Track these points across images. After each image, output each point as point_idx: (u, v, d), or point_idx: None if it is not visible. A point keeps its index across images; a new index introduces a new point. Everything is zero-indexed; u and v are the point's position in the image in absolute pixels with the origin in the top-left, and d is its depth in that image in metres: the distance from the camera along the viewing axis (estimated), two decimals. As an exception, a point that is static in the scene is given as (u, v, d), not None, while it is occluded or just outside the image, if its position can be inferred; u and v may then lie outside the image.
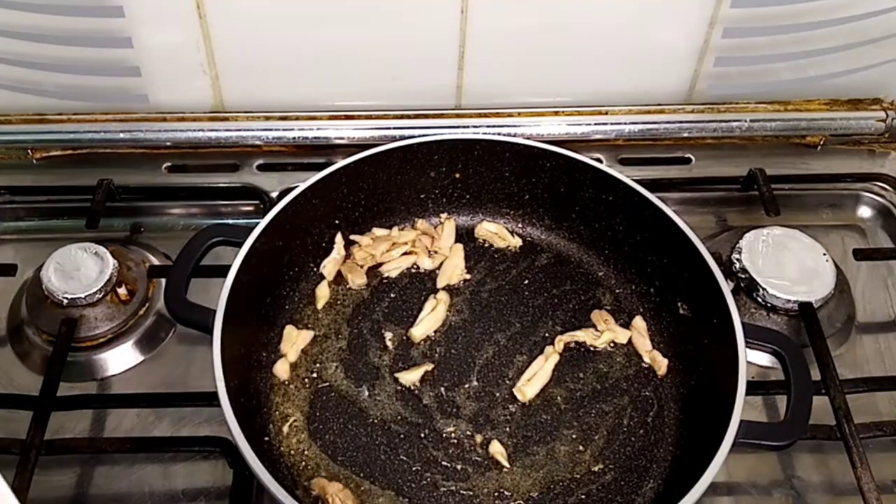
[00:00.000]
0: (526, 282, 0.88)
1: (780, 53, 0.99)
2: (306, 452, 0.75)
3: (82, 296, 0.82)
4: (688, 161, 1.03)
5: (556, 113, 1.01)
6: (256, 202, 0.97)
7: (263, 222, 0.79)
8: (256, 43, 0.94)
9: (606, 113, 1.01)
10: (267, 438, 0.75)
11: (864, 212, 1.01)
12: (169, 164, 1.00)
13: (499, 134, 0.94)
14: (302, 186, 0.83)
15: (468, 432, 0.77)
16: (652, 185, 0.85)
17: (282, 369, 0.80)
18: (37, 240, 0.94)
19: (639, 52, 0.98)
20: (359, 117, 1.00)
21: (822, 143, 1.04)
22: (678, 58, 0.99)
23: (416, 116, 0.99)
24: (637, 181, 0.84)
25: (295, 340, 0.81)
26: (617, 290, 0.87)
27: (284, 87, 0.99)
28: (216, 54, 0.94)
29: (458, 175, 0.90)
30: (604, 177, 0.86)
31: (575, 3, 0.93)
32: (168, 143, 0.99)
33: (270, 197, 0.96)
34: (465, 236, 0.92)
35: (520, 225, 0.92)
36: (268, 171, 1.00)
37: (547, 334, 0.84)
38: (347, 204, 0.87)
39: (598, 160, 0.96)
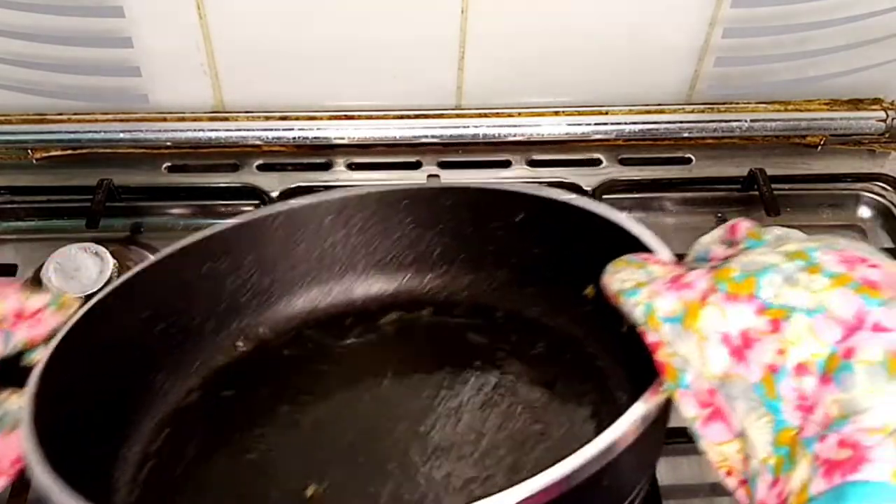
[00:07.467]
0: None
1: (780, 53, 0.99)
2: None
3: (82, 296, 0.82)
4: (688, 161, 1.03)
5: (556, 113, 1.01)
6: (256, 202, 0.97)
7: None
8: (257, 43, 0.94)
9: (606, 113, 1.01)
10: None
11: (864, 212, 1.01)
12: (169, 164, 1.00)
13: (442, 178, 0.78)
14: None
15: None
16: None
17: None
18: (37, 240, 0.94)
19: (639, 52, 0.98)
20: (359, 117, 0.99)
21: (822, 143, 1.04)
22: (678, 58, 0.99)
23: (417, 116, 0.99)
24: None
25: None
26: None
27: (284, 87, 0.98)
28: (216, 54, 0.94)
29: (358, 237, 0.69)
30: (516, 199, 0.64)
31: (575, 4, 0.93)
32: (168, 143, 0.98)
33: (270, 197, 0.96)
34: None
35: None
36: (268, 171, 1.00)
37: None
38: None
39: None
